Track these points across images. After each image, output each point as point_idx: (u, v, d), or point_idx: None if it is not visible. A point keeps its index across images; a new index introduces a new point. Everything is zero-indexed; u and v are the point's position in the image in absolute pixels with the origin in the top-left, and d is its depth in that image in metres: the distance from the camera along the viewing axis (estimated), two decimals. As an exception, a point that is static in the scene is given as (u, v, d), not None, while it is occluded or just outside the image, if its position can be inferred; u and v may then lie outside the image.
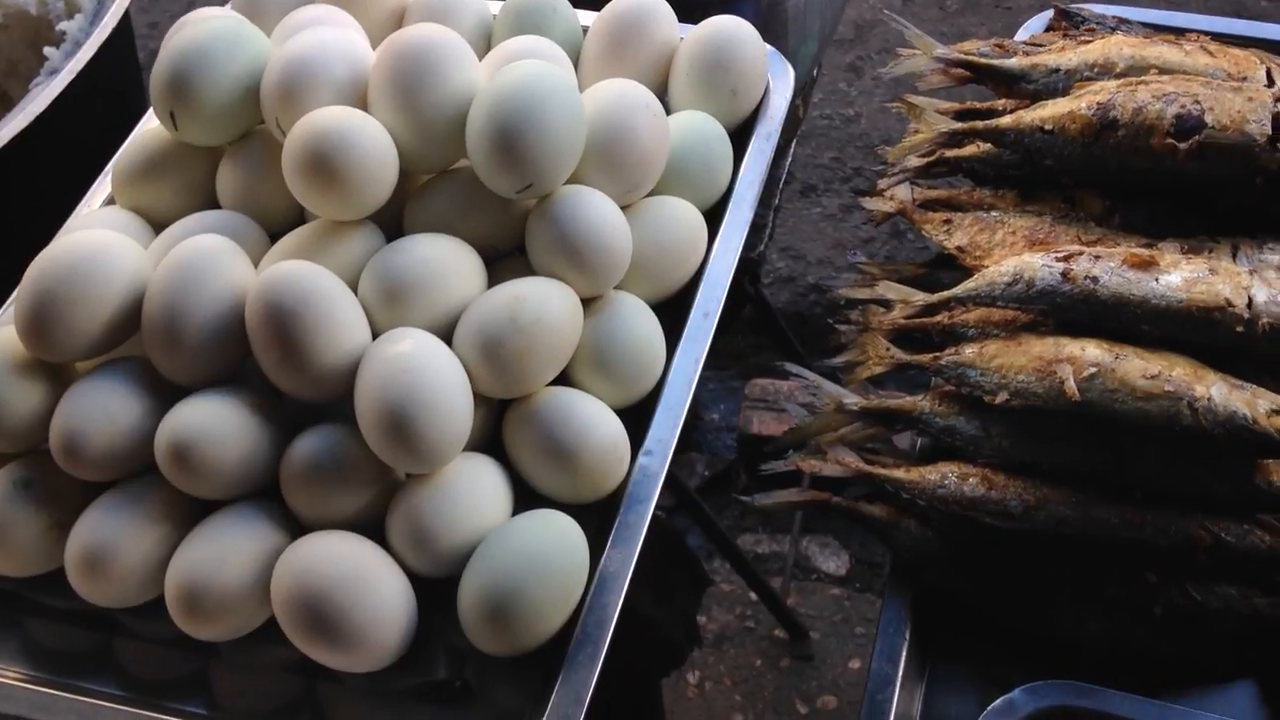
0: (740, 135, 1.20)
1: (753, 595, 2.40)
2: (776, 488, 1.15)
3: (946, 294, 1.11)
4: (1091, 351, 1.00)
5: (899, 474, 1.06)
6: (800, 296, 2.85)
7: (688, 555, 1.21)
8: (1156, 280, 1.01)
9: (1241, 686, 1.03)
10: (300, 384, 0.95)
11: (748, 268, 1.61)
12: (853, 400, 1.10)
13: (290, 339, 0.93)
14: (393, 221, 1.06)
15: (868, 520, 1.07)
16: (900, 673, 1.02)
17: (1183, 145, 1.07)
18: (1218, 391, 0.96)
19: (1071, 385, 0.98)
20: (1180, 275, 1.01)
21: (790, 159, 1.68)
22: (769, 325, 2.24)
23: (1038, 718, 0.98)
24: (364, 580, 0.89)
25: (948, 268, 1.19)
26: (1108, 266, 1.03)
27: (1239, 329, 0.99)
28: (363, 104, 1.05)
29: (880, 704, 1.00)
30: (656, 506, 0.96)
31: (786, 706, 2.29)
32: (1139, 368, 0.98)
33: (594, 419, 0.98)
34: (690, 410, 0.98)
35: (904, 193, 1.24)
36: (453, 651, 0.94)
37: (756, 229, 1.60)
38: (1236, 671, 1.03)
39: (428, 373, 0.92)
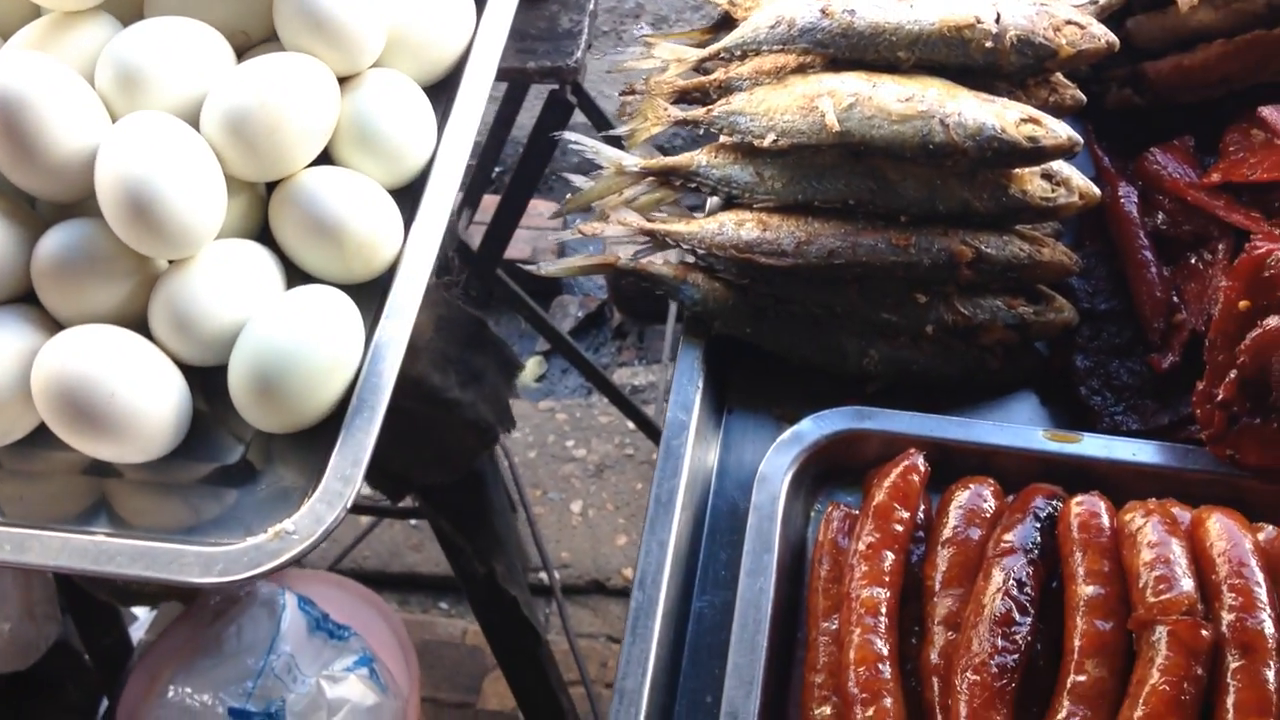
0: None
1: (630, 424, 2.43)
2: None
3: (715, 46, 1.10)
4: (851, 83, 1.01)
5: (679, 227, 1.07)
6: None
7: (494, 340, 1.22)
8: (911, 6, 1.02)
9: (1021, 396, 1.08)
10: (37, 179, 0.91)
11: (566, 76, 1.58)
12: (632, 161, 1.10)
13: (19, 131, 0.89)
14: (134, 14, 1.02)
15: (656, 279, 1.08)
16: (694, 420, 1.04)
17: None
18: (968, 106, 0.98)
19: (831, 117, 0.99)
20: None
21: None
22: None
23: (824, 444, 1.01)
24: (124, 367, 0.88)
25: (730, 27, 1.18)
26: (865, -1, 1.03)
27: (989, 44, 1.00)
28: (82, -111, 0.99)
29: (675, 449, 1.02)
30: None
31: (667, 523, 2.35)
32: (895, 93, 0.99)
33: (359, 195, 0.97)
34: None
35: (679, -43, 1.21)
36: (237, 437, 0.94)
37: (571, 35, 1.56)
38: (1014, 383, 1.07)
39: (169, 153, 0.89)
